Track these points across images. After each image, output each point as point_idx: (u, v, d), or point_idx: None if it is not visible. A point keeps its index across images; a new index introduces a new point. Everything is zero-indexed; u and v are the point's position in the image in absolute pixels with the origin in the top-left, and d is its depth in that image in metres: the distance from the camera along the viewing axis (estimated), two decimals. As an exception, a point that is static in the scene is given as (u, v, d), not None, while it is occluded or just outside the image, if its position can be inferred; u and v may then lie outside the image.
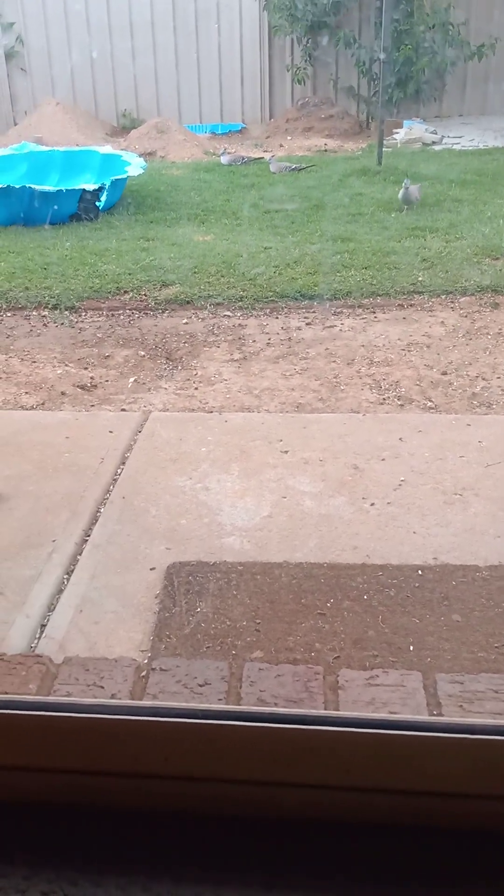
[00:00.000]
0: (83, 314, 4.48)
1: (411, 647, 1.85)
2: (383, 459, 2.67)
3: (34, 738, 0.83)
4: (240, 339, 4.08)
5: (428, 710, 0.95)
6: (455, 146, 8.57)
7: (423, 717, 0.94)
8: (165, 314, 4.43)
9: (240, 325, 4.26)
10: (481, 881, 0.77)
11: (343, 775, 0.80)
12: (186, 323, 4.31)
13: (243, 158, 8.11)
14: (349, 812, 0.82)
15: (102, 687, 1.02)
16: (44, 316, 4.47)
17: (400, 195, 5.98)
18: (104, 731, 0.82)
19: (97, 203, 6.10)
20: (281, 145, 9.26)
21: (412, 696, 0.97)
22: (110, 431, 2.92)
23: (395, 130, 8.94)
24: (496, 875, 0.78)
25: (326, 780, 0.81)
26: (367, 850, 0.80)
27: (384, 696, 0.97)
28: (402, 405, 3.34)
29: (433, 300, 4.45)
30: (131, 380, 3.69)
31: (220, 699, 0.99)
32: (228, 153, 8.30)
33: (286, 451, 2.74)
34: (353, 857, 0.80)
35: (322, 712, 0.95)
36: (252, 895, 0.76)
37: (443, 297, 4.48)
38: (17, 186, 5.95)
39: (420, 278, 4.69)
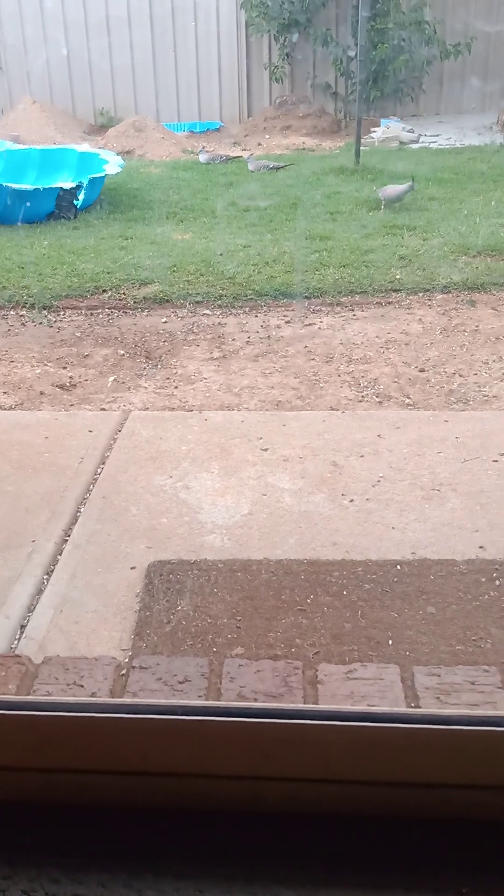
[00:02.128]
0: (61, 313, 4.45)
1: (390, 641, 1.87)
2: (362, 456, 2.68)
3: (13, 737, 0.83)
4: (219, 337, 4.08)
5: (406, 703, 0.96)
6: (432, 145, 8.63)
7: (401, 710, 0.95)
8: (144, 313, 4.42)
9: (219, 323, 4.26)
10: (460, 868, 0.78)
11: (323, 768, 0.81)
12: (166, 322, 4.30)
13: (221, 157, 8.11)
14: (329, 804, 0.83)
15: (82, 686, 1.01)
16: (21, 315, 4.44)
17: (394, 192, 6.00)
18: (84, 729, 0.82)
19: (75, 201, 6.07)
20: (259, 144, 9.26)
21: (390, 689, 0.98)
22: (90, 431, 2.91)
23: (372, 129, 8.98)
24: (475, 862, 0.79)
25: (306, 774, 0.81)
26: (347, 842, 0.81)
27: (363, 690, 0.98)
28: (380, 402, 3.36)
29: (411, 298, 4.48)
30: (111, 379, 3.68)
31: (200, 695, 0.99)
32: (206, 151, 8.29)
33: (266, 449, 2.74)
34: (333, 849, 0.81)
35: (301, 706, 0.96)
36: (234, 889, 0.77)
37: (420, 294, 4.51)
38: (-6, 185, 5.90)
39: (398, 276, 4.71)
